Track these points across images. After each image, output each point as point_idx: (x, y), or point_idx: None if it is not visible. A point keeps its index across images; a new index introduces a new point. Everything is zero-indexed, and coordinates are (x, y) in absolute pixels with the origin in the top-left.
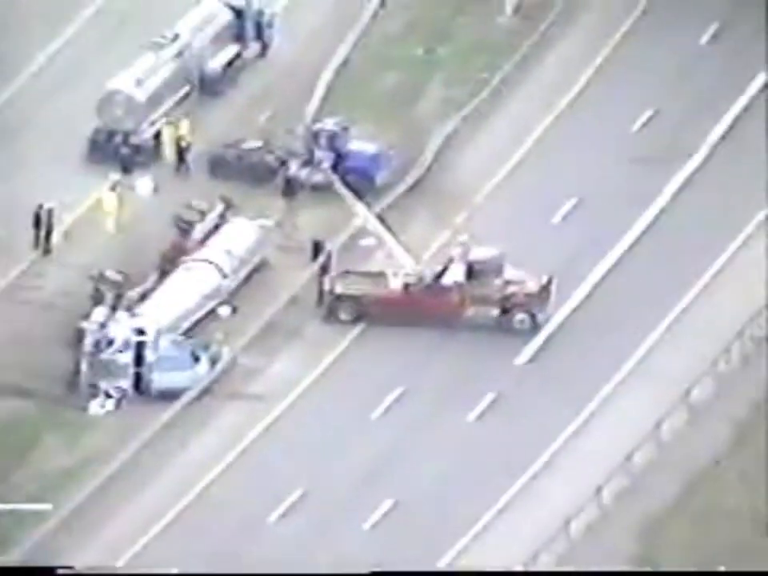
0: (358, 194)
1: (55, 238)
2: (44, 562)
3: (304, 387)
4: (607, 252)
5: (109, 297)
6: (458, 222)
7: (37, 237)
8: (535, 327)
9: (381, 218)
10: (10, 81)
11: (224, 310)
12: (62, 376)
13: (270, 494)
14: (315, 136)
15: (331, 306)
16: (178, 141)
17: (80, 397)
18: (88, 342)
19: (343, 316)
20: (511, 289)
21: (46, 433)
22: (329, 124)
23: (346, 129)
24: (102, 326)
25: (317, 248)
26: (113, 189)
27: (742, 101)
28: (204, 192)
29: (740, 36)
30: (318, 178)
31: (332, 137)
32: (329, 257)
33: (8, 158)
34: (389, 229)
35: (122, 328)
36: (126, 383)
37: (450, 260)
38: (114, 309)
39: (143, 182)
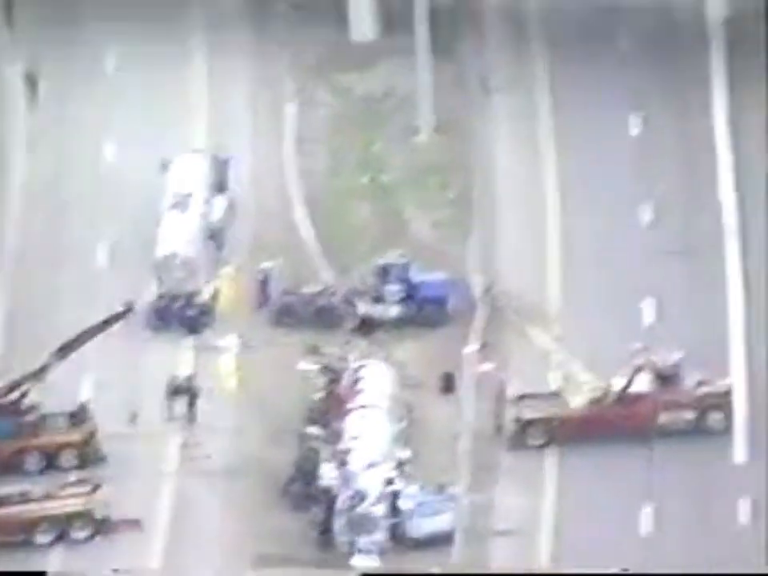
0: (434, 324)
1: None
2: None
3: (551, 517)
4: None
5: (325, 452)
6: (556, 332)
7: (170, 407)
8: (729, 426)
9: (485, 345)
10: None
11: (404, 453)
12: (303, 537)
13: None
14: (384, 271)
15: (517, 433)
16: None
17: (333, 556)
18: (341, 500)
19: (532, 441)
20: (704, 389)
21: None
22: (394, 258)
23: (408, 261)
24: (345, 481)
25: (448, 380)
26: (229, 350)
27: None
28: (284, 341)
29: None
30: (394, 312)
31: (402, 269)
32: (501, 385)
33: None
34: (561, 345)
35: (368, 481)
36: (382, 535)
37: (637, 369)
38: (338, 463)
39: (230, 341)
